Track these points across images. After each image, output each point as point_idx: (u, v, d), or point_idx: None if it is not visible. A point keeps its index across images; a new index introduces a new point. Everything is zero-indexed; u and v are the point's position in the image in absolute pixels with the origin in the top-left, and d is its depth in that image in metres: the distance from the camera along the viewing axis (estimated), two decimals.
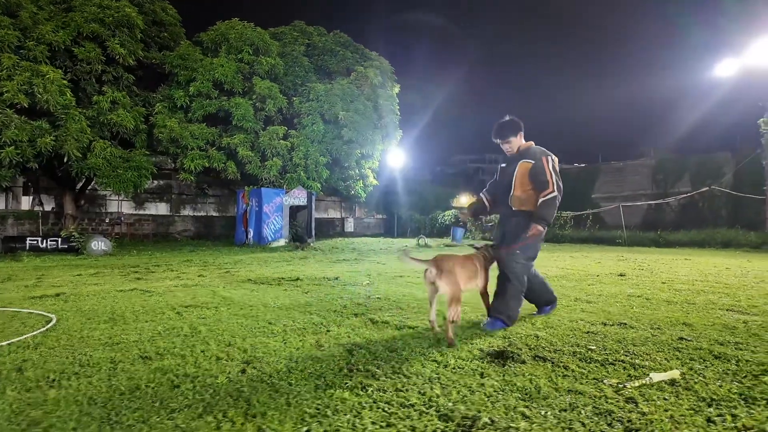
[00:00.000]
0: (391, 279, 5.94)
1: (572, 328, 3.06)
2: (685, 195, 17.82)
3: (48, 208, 18.83)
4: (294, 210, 16.27)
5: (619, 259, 8.85)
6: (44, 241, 12.26)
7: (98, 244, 11.51)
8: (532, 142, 3.40)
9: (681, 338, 2.71)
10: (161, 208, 22.23)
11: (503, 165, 3.48)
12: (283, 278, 5.98)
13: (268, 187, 15.68)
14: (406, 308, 3.87)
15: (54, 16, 13.30)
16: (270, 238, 14.58)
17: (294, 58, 18.19)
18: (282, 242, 14.76)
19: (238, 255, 11.13)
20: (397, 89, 21.47)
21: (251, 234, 14.98)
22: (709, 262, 8.14)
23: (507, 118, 3.41)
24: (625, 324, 3.14)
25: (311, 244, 14.73)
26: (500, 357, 2.39)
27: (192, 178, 15.84)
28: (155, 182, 21.81)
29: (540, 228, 3.14)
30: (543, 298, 3.54)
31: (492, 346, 2.60)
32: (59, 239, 12.36)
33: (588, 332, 2.93)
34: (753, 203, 15.99)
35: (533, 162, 3.21)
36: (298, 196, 15.61)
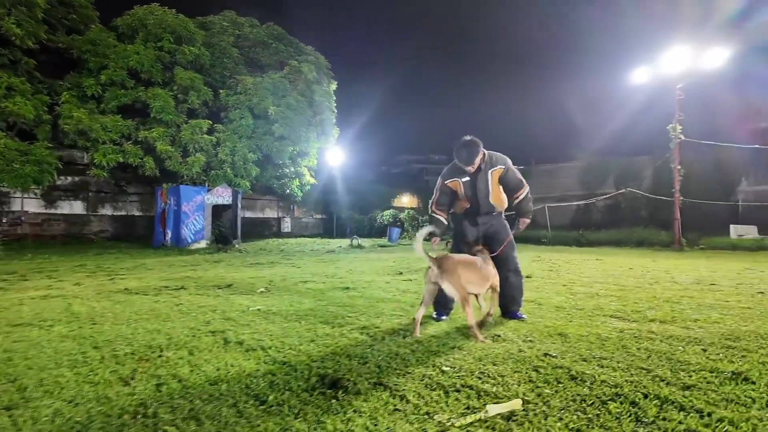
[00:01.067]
0: (292, 286, 5.52)
1: (439, 342, 2.79)
2: (604, 196, 18.70)
3: None
4: (219, 209, 15.37)
5: (535, 259, 8.93)
6: None
7: None
8: (486, 151, 3.57)
9: (546, 354, 2.51)
10: (76, 207, 20.35)
11: (466, 179, 3.57)
12: (168, 287, 5.39)
13: (190, 184, 14.70)
14: (279, 322, 3.47)
15: None
16: (189, 240, 13.64)
17: (222, 49, 17.25)
18: (203, 244, 13.85)
19: (146, 258, 10.24)
20: (334, 86, 20.98)
21: (169, 235, 13.94)
22: (617, 262, 8.38)
23: (468, 138, 3.48)
24: (499, 336, 2.92)
25: (236, 246, 13.95)
26: (334, 386, 2.05)
27: (104, 174, 14.54)
28: (69, 179, 19.96)
29: (528, 220, 3.67)
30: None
31: (326, 369, 2.26)
32: None
33: (454, 347, 2.67)
34: (667, 204, 17.01)
35: (504, 167, 3.54)
36: (222, 195, 14.75)
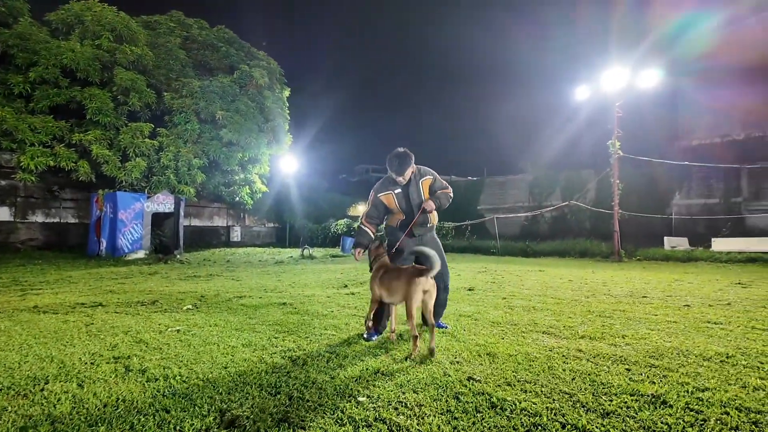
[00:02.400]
0: (225, 302, 5.19)
1: (363, 365, 2.63)
2: (550, 208, 19.34)
3: None
4: (161, 218, 14.59)
5: (480, 270, 9.00)
6: None
7: None
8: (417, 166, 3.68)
9: (470, 378, 2.40)
10: (2, 213, 18.78)
11: (398, 191, 3.60)
12: (84, 303, 4.93)
13: (129, 190, 13.86)
14: (196, 345, 3.19)
15: None
16: (126, 249, 12.81)
17: (168, 50, 16.53)
18: (141, 254, 13.03)
19: (74, 270, 9.48)
20: (287, 92, 20.63)
21: (104, 244, 13.04)
22: (559, 273, 8.57)
23: (402, 150, 3.54)
24: (427, 360, 2.79)
25: (177, 256, 13.25)
26: (231, 425, 1.83)
27: (32, 178, 13.42)
28: None
29: (433, 204, 3.55)
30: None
31: (230, 402, 2.05)
32: None
33: (377, 371, 2.51)
34: (608, 217, 17.79)
35: (432, 177, 3.66)
36: (163, 202, 14.00)
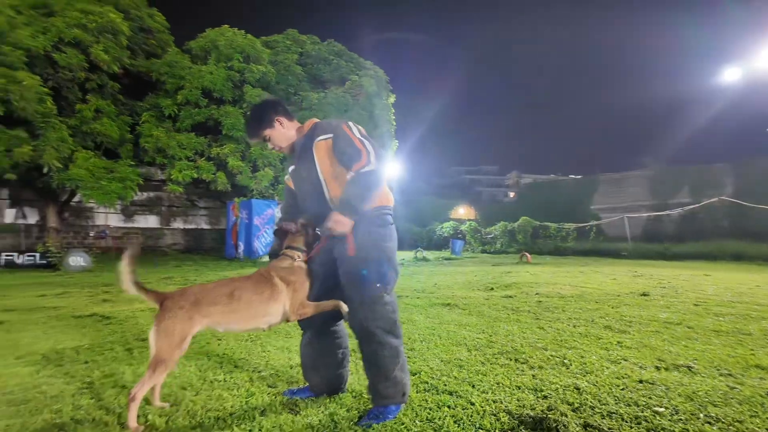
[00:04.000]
0: None
1: (618, 373, 2.41)
2: (692, 206, 17.27)
3: (32, 221, 18.10)
4: None
5: (634, 274, 8.22)
6: (20, 256, 11.54)
7: (76, 260, 10.81)
8: (315, 119, 2.30)
9: None
10: (151, 221, 21.52)
11: (292, 168, 2.36)
12: None
13: (259, 198, 15.04)
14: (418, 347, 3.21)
15: (34, 21, 12.71)
16: (261, 252, 13.88)
17: (286, 66, 17.68)
18: None
19: (225, 271, 10.45)
20: (392, 99, 21.01)
21: (241, 248, 14.27)
22: (732, 278, 7.54)
23: (260, 101, 2.45)
24: (689, 368, 2.50)
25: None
26: (539, 427, 1.75)
27: (180, 189, 15.18)
28: (145, 194, 21.13)
29: (341, 218, 1.94)
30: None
31: (523, 406, 1.96)
32: (36, 254, 11.64)
33: (641, 381, 2.28)
34: (758, 214, 15.46)
35: (331, 136, 2.09)
36: None
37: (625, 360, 2.67)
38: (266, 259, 12.43)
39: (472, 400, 2.05)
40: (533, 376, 2.39)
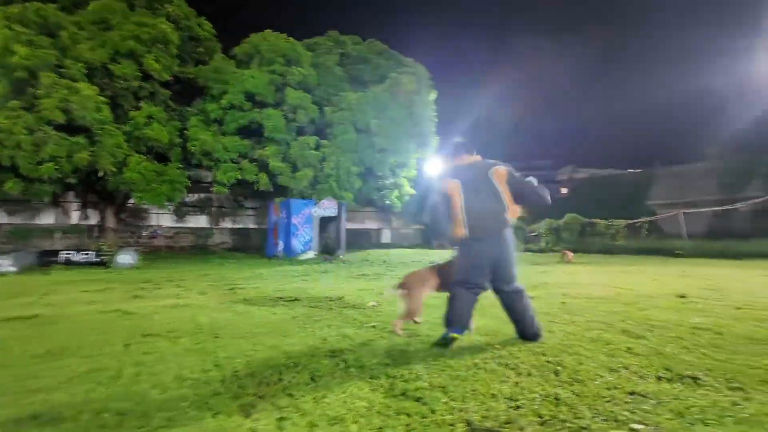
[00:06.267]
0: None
1: (610, 383, 2.19)
2: (758, 200, 15.79)
3: (93, 222, 19.53)
4: (325, 221, 15.83)
5: (681, 274, 7.59)
6: (77, 254, 12.44)
7: (124, 258, 11.50)
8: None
9: None
10: (201, 221, 22.55)
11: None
12: (283, 297, 5.39)
13: (299, 198, 15.35)
14: (401, 345, 3.12)
15: (94, 35, 13.66)
16: (299, 250, 14.17)
17: (327, 68, 17.93)
18: (311, 254, 14.30)
19: (262, 268, 10.73)
20: (433, 95, 20.73)
21: (281, 246, 14.64)
22: None
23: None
24: (694, 379, 2.23)
25: (340, 256, 14.18)
26: None
27: (225, 190, 15.82)
28: (195, 195, 22.20)
29: None
30: None
31: (488, 417, 1.82)
32: (91, 253, 12.51)
33: (633, 393, 2.06)
34: None
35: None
36: (328, 207, 15.16)
37: (627, 368, 2.42)
38: (304, 257, 12.59)
39: (435, 408, 1.93)
40: (516, 383, 2.23)
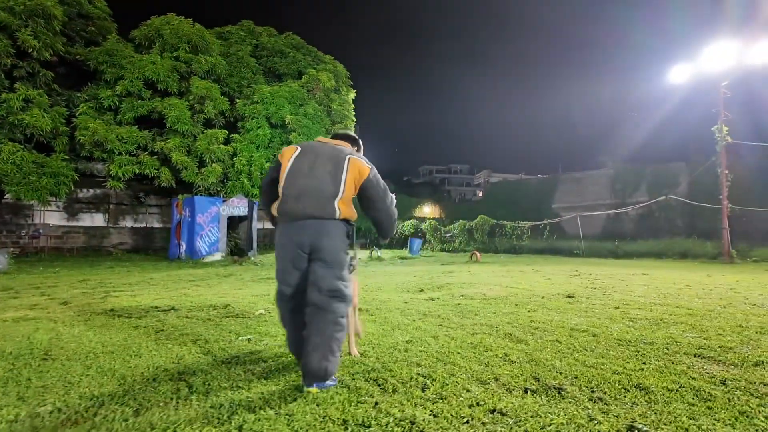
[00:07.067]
0: None
1: (474, 399, 2.03)
2: (642, 204, 17.50)
3: None
4: (236, 221, 14.93)
5: (573, 274, 8.03)
6: None
7: None
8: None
9: (632, 426, 1.73)
10: (97, 219, 20.37)
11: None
12: (158, 307, 4.78)
13: (206, 195, 14.31)
14: (269, 359, 2.77)
15: None
16: (204, 252, 13.17)
17: (239, 58, 16.97)
18: (218, 256, 13.36)
19: (156, 273, 9.77)
20: (353, 94, 20.52)
21: (184, 247, 13.53)
22: (668, 277, 7.41)
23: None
24: (559, 389, 2.14)
25: (251, 258, 13.42)
26: None
27: (120, 185, 14.27)
28: (90, 191, 20.01)
29: None
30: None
31: None
32: None
33: (494, 411, 1.91)
34: (709, 213, 15.74)
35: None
36: (238, 206, 14.29)
37: (497, 379, 2.30)
38: (209, 259, 11.74)
39: None
40: (375, 404, 1.99)
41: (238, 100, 15.92)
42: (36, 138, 12.96)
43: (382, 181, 2.54)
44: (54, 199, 14.41)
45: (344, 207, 2.37)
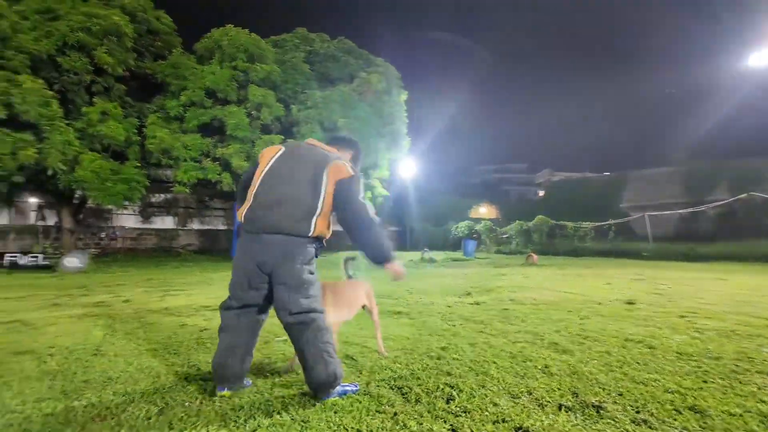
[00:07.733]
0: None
1: (501, 415, 1.88)
2: (720, 203, 15.97)
3: (51, 222, 18.65)
4: None
5: (636, 278, 7.43)
6: (23, 257, 11.75)
7: (72, 261, 10.90)
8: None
9: None
10: (167, 222, 21.85)
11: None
12: (209, 306, 4.98)
13: None
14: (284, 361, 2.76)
15: (39, 25, 12.94)
16: None
17: (293, 65, 17.48)
18: None
19: (215, 273, 10.26)
20: (404, 96, 20.49)
21: None
22: (748, 283, 6.65)
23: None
24: (598, 407, 1.94)
25: None
26: None
27: (186, 190, 15.20)
28: (162, 196, 21.49)
29: None
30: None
31: None
32: (39, 255, 11.83)
33: (519, 429, 1.75)
34: None
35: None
36: None
37: (530, 393, 2.12)
38: None
39: None
40: (394, 415, 1.90)
41: (292, 106, 16.39)
42: (111, 147, 14.06)
43: (361, 190, 2.28)
44: (129, 203, 15.58)
45: (321, 223, 2.19)
